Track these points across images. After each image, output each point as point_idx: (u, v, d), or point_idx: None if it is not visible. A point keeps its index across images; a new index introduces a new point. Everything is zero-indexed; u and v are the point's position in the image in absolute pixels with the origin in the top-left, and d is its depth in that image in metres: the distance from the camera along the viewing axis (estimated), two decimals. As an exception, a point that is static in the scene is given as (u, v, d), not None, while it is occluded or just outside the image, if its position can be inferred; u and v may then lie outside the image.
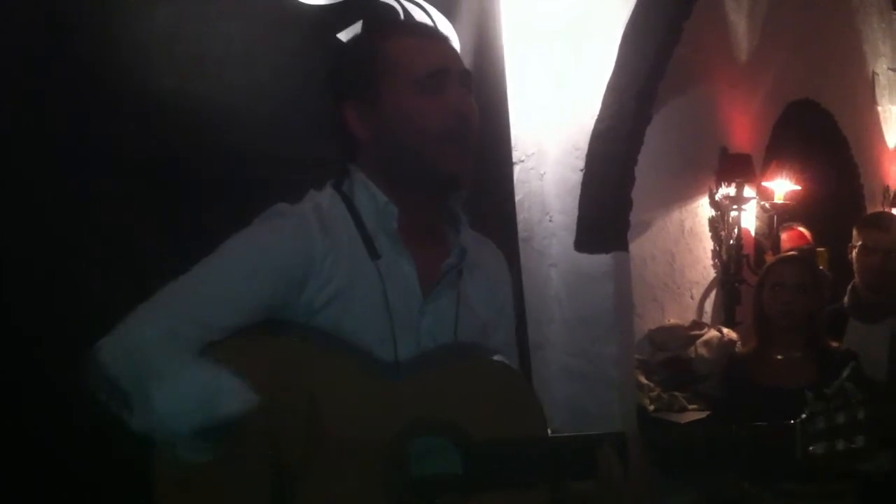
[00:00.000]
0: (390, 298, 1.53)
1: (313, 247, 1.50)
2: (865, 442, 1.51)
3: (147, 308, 1.47)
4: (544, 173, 3.53)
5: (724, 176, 5.16)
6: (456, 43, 2.91)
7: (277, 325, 1.51)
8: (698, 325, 4.80)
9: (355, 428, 1.46)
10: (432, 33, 1.66)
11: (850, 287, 3.55)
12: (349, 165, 1.62)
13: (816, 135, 6.28)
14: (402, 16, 2.85)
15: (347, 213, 1.57)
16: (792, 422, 1.54)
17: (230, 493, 1.46)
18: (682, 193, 5.05)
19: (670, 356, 4.50)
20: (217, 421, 1.40)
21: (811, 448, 1.53)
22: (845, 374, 1.57)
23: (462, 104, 1.54)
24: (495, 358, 1.60)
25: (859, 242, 3.49)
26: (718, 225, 5.18)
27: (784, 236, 5.36)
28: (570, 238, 3.49)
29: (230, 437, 1.42)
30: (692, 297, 5.11)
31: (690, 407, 4.16)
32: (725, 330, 4.73)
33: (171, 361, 1.41)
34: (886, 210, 6.50)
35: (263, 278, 1.49)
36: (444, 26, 2.97)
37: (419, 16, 2.92)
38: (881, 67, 7.21)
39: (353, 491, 1.45)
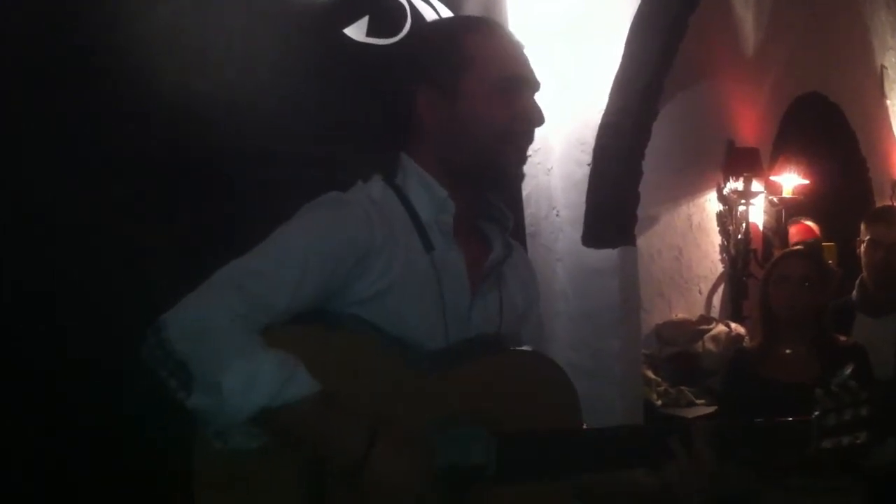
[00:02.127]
0: (444, 291, 1.55)
1: (372, 235, 1.51)
2: (868, 438, 1.54)
3: (216, 287, 1.47)
4: (551, 168, 3.52)
5: (732, 170, 5.16)
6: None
7: (324, 317, 1.52)
8: (706, 319, 4.80)
9: (397, 421, 1.46)
10: (515, 39, 1.68)
11: (858, 281, 3.54)
12: (402, 155, 1.63)
13: (824, 129, 6.27)
14: (409, 12, 2.84)
15: (401, 204, 1.59)
16: (807, 418, 1.57)
17: (272, 485, 1.47)
18: (690, 188, 5.05)
19: (678, 351, 4.50)
20: (281, 404, 1.39)
21: (822, 442, 1.55)
22: (848, 371, 1.59)
23: (534, 113, 1.60)
24: (533, 349, 1.64)
25: (867, 237, 3.48)
26: (726, 219, 5.18)
27: (792, 230, 5.35)
28: (576, 233, 3.49)
29: (282, 427, 1.42)
30: (700, 292, 5.10)
31: (698, 402, 4.17)
32: (733, 325, 4.74)
33: (243, 343, 1.41)
34: (894, 204, 6.49)
35: (324, 261, 1.49)
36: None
37: (427, 12, 2.91)
38: (889, 61, 7.19)
39: (401, 486, 1.44)
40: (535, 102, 1.61)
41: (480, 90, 1.56)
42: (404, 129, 1.62)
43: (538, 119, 1.61)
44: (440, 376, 1.52)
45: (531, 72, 1.64)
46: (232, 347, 1.41)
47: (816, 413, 1.56)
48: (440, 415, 1.50)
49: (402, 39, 1.72)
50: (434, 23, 1.84)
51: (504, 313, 1.64)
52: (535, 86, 1.63)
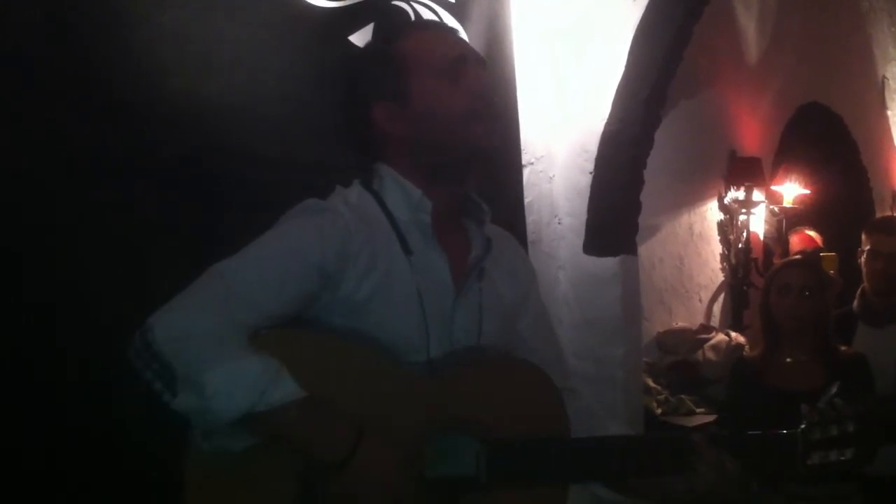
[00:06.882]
0: (423, 294, 1.56)
1: (350, 240, 1.53)
2: (854, 454, 1.56)
3: (202, 289, 1.49)
4: (553, 176, 3.53)
5: (734, 179, 5.17)
6: (463, 34, 2.96)
7: (308, 323, 1.54)
8: (706, 328, 4.80)
9: (385, 425, 1.48)
10: (443, 26, 1.76)
11: (859, 291, 3.55)
12: (376, 164, 1.65)
13: (826, 138, 6.28)
14: (412, 17, 2.86)
15: (379, 209, 1.60)
16: (793, 431, 1.59)
17: (259, 486, 1.48)
18: (691, 197, 5.06)
19: (678, 359, 4.50)
20: (265, 408, 1.40)
21: (809, 456, 1.56)
22: (834, 390, 1.60)
23: (480, 84, 1.62)
24: (525, 360, 1.65)
25: (867, 246, 3.50)
26: (727, 228, 5.19)
27: (794, 240, 5.36)
28: (578, 241, 3.49)
29: (267, 430, 1.44)
30: (700, 301, 5.11)
31: (698, 410, 4.17)
32: (733, 334, 4.73)
33: (228, 345, 1.43)
34: (895, 214, 6.49)
35: (305, 266, 1.51)
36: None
37: (429, 17, 2.93)
38: (891, 72, 7.20)
39: (382, 488, 1.46)
40: (480, 74, 1.63)
41: (427, 85, 1.59)
42: (374, 143, 1.65)
43: (486, 87, 1.63)
44: (429, 381, 1.54)
45: (467, 47, 1.68)
46: (217, 350, 1.42)
47: (802, 427, 1.58)
48: (428, 419, 1.51)
49: (345, 66, 1.81)
50: (366, 45, 1.90)
51: (484, 311, 1.64)
52: (475, 59, 1.65)
